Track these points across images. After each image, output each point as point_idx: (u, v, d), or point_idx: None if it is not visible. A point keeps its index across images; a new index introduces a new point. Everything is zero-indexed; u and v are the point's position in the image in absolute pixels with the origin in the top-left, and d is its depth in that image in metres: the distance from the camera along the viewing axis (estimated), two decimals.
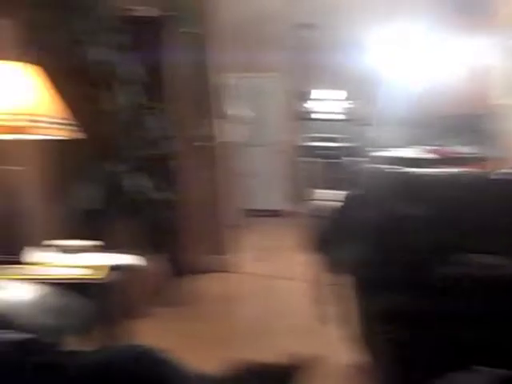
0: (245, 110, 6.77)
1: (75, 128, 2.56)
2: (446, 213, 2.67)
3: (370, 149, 6.18)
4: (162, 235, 4.18)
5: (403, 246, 2.57)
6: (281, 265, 5.25)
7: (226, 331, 3.70)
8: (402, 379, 2.27)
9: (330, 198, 3.63)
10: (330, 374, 2.70)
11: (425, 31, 6.48)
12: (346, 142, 7.03)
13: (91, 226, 3.44)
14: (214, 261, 4.94)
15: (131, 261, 2.56)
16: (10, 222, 2.46)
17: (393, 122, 6.43)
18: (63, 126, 2.47)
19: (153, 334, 2.52)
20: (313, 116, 7.42)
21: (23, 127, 2.31)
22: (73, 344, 1.84)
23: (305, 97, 7.42)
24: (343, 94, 7.29)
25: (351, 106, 7.23)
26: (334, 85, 7.17)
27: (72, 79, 3.14)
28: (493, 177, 2.84)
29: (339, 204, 3.05)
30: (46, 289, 1.97)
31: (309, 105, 7.44)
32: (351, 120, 7.17)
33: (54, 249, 2.57)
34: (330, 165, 6.83)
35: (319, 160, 7.01)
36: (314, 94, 7.42)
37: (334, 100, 7.39)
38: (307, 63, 7.22)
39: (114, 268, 2.40)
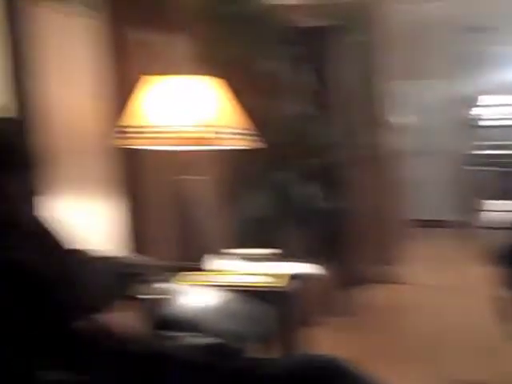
0: (411, 118, 6.63)
1: (255, 138, 2.62)
2: None
3: None
4: (330, 244, 4.16)
5: None
6: (451, 276, 5.04)
7: (398, 344, 3.60)
8: None
9: (504, 209, 3.44)
10: None
11: None
12: None
13: (263, 234, 3.49)
14: (382, 271, 4.84)
15: (310, 269, 2.56)
16: (192, 230, 2.53)
17: None
18: (244, 137, 2.53)
19: (325, 343, 2.52)
20: (481, 123, 7.13)
21: (209, 139, 2.39)
22: (255, 351, 1.86)
23: (472, 103, 7.15)
24: None
25: None
26: (503, 90, 6.86)
27: (246, 90, 3.22)
28: None
29: None
30: (228, 295, 2.00)
31: (477, 111, 7.16)
32: None
33: (234, 256, 2.63)
34: (503, 174, 6.50)
35: (490, 169, 6.70)
36: (482, 99, 7.14)
37: (503, 106, 7.07)
38: (474, 68, 6.95)
39: (294, 276, 2.41)
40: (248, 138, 2.57)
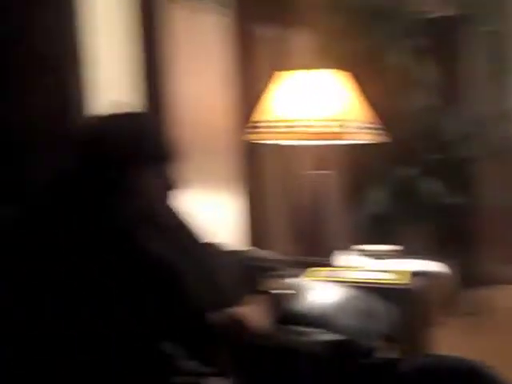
0: None
1: (381, 132, 2.60)
2: None
3: None
4: (455, 242, 4.05)
5: None
6: None
7: None
8: None
9: None
10: None
11: None
12: None
13: (385, 230, 3.46)
14: (510, 271, 4.66)
15: (433, 267, 2.51)
16: (319, 225, 2.55)
17: None
18: (371, 131, 2.52)
19: (447, 343, 2.46)
20: None
21: (337, 133, 2.40)
22: (380, 349, 1.85)
23: None
24: None
25: None
26: None
27: (373, 84, 3.20)
28: None
29: None
30: (353, 292, 2.00)
31: None
32: None
33: (357, 252, 2.63)
34: None
35: None
36: None
37: None
38: None
39: (417, 274, 2.38)
40: (374, 132, 2.56)
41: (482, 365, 1.50)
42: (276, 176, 3.64)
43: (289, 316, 1.70)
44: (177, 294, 1.40)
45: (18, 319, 1.31)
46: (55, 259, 1.36)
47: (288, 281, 1.75)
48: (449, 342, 2.69)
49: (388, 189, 3.77)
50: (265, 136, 2.54)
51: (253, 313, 1.55)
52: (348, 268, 2.44)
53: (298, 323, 1.71)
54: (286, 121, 2.46)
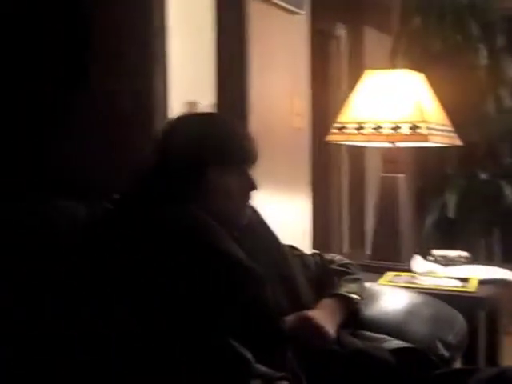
0: None
1: (456, 135, 2.57)
2: None
3: None
4: None
5: None
6: None
7: None
8: None
9: None
10: None
11: None
12: None
13: (456, 235, 3.41)
14: None
15: (502, 275, 2.47)
16: (395, 230, 2.53)
17: None
18: (447, 133, 2.51)
19: None
20: None
21: (419, 135, 2.41)
22: (449, 358, 1.84)
23: None
24: None
25: None
26: None
27: (453, 85, 3.15)
28: None
29: None
30: (424, 298, 1.98)
31: None
32: None
33: (428, 258, 2.61)
34: None
35: None
36: None
37: None
38: None
39: (485, 281, 2.34)
40: (451, 135, 2.54)
41: None
42: (348, 178, 3.64)
43: (361, 321, 1.70)
44: (253, 297, 1.39)
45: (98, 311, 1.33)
46: (136, 256, 1.37)
47: (361, 285, 1.75)
48: None
49: (460, 193, 3.70)
50: (340, 137, 2.56)
51: (326, 316, 1.56)
52: (419, 274, 2.42)
53: (370, 328, 1.72)
54: (361, 122, 2.48)
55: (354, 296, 1.67)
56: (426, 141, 2.43)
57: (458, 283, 2.30)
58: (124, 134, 2.09)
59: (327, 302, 1.63)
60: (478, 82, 3.63)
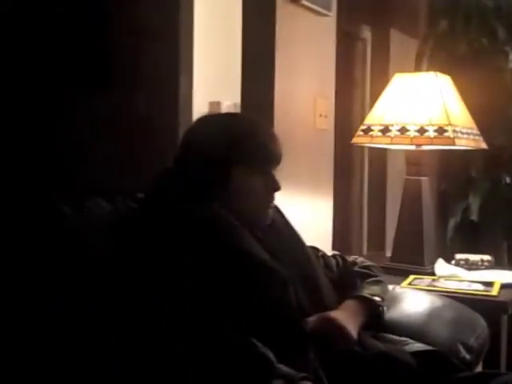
0: None
1: (481, 138, 2.57)
2: None
3: None
4: None
5: None
6: None
7: None
8: None
9: None
10: None
11: None
12: None
13: (480, 239, 3.38)
14: None
15: None
16: (418, 232, 2.53)
17: None
18: (473, 136, 2.50)
19: None
20: None
21: (444, 138, 2.41)
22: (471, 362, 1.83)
23: None
24: None
25: None
26: None
27: (479, 88, 3.14)
28: None
29: None
30: (446, 301, 1.98)
31: None
32: None
33: (450, 261, 2.60)
34: None
35: None
36: None
37: None
38: None
39: (508, 285, 2.33)
40: (476, 138, 2.54)
41: None
42: (369, 180, 3.63)
43: (383, 323, 1.70)
44: (276, 298, 1.40)
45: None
46: (159, 255, 1.38)
47: (384, 288, 1.75)
48: None
49: (484, 196, 3.68)
50: (365, 139, 2.56)
51: (348, 317, 1.56)
52: (442, 277, 2.42)
53: (392, 331, 1.72)
54: (387, 124, 2.49)
55: (377, 298, 1.67)
56: (453, 144, 2.42)
57: (481, 287, 2.29)
58: (149, 135, 2.11)
59: (349, 304, 1.63)
60: (504, 85, 3.60)
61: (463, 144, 2.48)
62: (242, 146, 1.55)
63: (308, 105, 2.68)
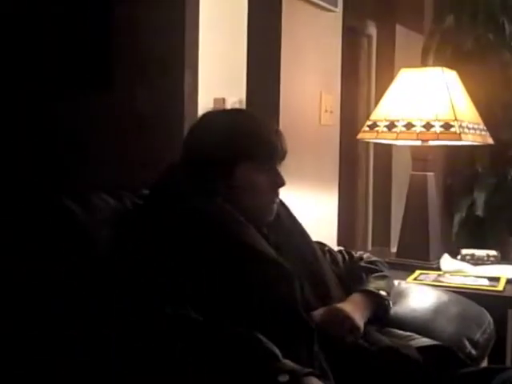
0: None
1: (487, 133, 2.56)
2: None
3: None
4: None
5: None
6: None
7: None
8: None
9: None
10: None
11: None
12: None
13: (486, 234, 3.38)
14: None
15: None
16: (424, 227, 2.53)
17: None
18: (479, 132, 2.50)
19: None
20: None
21: (450, 133, 2.40)
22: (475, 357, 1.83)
23: None
24: None
25: None
26: None
27: (486, 84, 3.14)
28: None
29: None
30: (451, 296, 1.98)
31: None
32: None
33: (456, 256, 2.60)
34: None
35: None
36: None
37: None
38: None
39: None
40: (483, 133, 2.53)
41: None
42: (374, 175, 3.63)
43: (388, 318, 1.70)
44: (281, 293, 1.40)
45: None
46: (164, 250, 1.39)
47: (389, 283, 1.75)
48: None
49: (489, 191, 3.68)
50: (371, 135, 2.56)
51: (355, 309, 1.57)
52: (448, 272, 2.42)
53: (397, 326, 1.72)
54: (393, 120, 2.49)
55: (383, 292, 1.67)
56: (459, 139, 2.42)
57: (486, 282, 2.29)
58: (154, 131, 2.12)
59: (356, 297, 1.64)
60: (510, 80, 3.59)
61: (469, 139, 2.48)
62: (246, 142, 1.55)
63: (313, 100, 2.68)
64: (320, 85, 2.72)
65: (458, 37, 3.62)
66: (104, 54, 2.19)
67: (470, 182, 3.74)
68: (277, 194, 1.60)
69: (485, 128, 2.58)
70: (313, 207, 2.67)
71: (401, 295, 1.86)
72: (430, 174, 2.58)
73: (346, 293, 1.67)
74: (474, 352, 1.79)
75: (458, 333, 1.81)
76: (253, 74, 2.38)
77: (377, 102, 2.73)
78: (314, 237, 1.77)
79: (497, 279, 2.31)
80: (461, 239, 3.59)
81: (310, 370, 1.22)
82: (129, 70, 2.16)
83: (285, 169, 1.64)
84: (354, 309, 1.57)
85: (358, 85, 3.48)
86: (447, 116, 2.42)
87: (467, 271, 2.44)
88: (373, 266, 1.78)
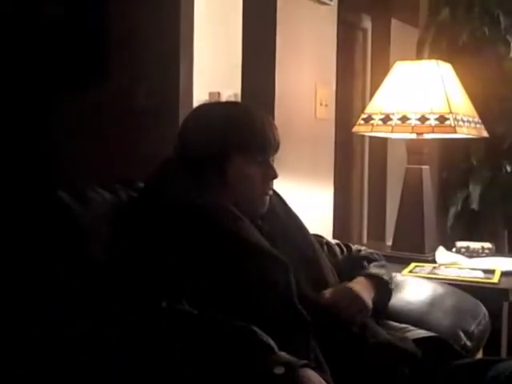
0: None
1: (482, 126, 2.57)
2: None
3: None
4: None
5: None
6: None
7: None
8: None
9: None
10: None
11: None
12: None
13: (481, 227, 3.39)
14: None
15: None
16: (419, 220, 2.54)
17: None
18: (474, 125, 2.50)
19: None
20: None
21: (445, 127, 2.41)
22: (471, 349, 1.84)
23: None
24: None
25: None
26: None
27: (481, 77, 3.14)
28: None
29: None
30: (447, 289, 1.99)
31: None
32: None
33: (451, 249, 2.61)
34: None
35: None
36: None
37: None
38: None
39: (508, 273, 2.34)
40: (478, 126, 2.54)
41: None
42: (370, 169, 3.63)
43: (385, 310, 1.71)
44: (276, 285, 1.41)
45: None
46: (159, 243, 1.39)
47: (388, 271, 1.75)
48: None
49: (484, 184, 3.68)
50: (366, 128, 2.56)
51: (362, 289, 1.58)
52: (443, 265, 2.43)
53: (393, 318, 1.73)
54: (388, 113, 2.49)
55: (385, 277, 1.68)
56: (454, 132, 2.42)
57: (481, 274, 2.30)
58: (149, 125, 2.12)
59: (360, 279, 1.64)
60: (505, 73, 3.60)
61: (464, 132, 2.48)
62: (239, 134, 1.54)
63: (309, 94, 2.69)
64: (315, 78, 2.72)
65: (453, 30, 3.61)
66: (100, 51, 2.20)
67: (465, 175, 3.75)
68: (269, 186, 1.60)
69: (480, 121, 2.58)
70: (308, 201, 2.68)
71: (396, 288, 1.86)
72: (425, 167, 2.59)
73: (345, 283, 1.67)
74: (469, 344, 1.80)
75: (454, 325, 1.82)
76: (248, 67, 2.38)
77: (372, 96, 2.73)
78: (310, 230, 1.76)
79: (492, 271, 2.32)
80: (456, 232, 3.60)
81: (305, 361, 1.23)
82: (124, 65, 2.17)
83: (280, 162, 1.64)
84: (362, 288, 1.58)
85: (354, 78, 3.48)
86: (442, 109, 2.43)
87: (462, 264, 2.45)
88: (372, 256, 1.80)
